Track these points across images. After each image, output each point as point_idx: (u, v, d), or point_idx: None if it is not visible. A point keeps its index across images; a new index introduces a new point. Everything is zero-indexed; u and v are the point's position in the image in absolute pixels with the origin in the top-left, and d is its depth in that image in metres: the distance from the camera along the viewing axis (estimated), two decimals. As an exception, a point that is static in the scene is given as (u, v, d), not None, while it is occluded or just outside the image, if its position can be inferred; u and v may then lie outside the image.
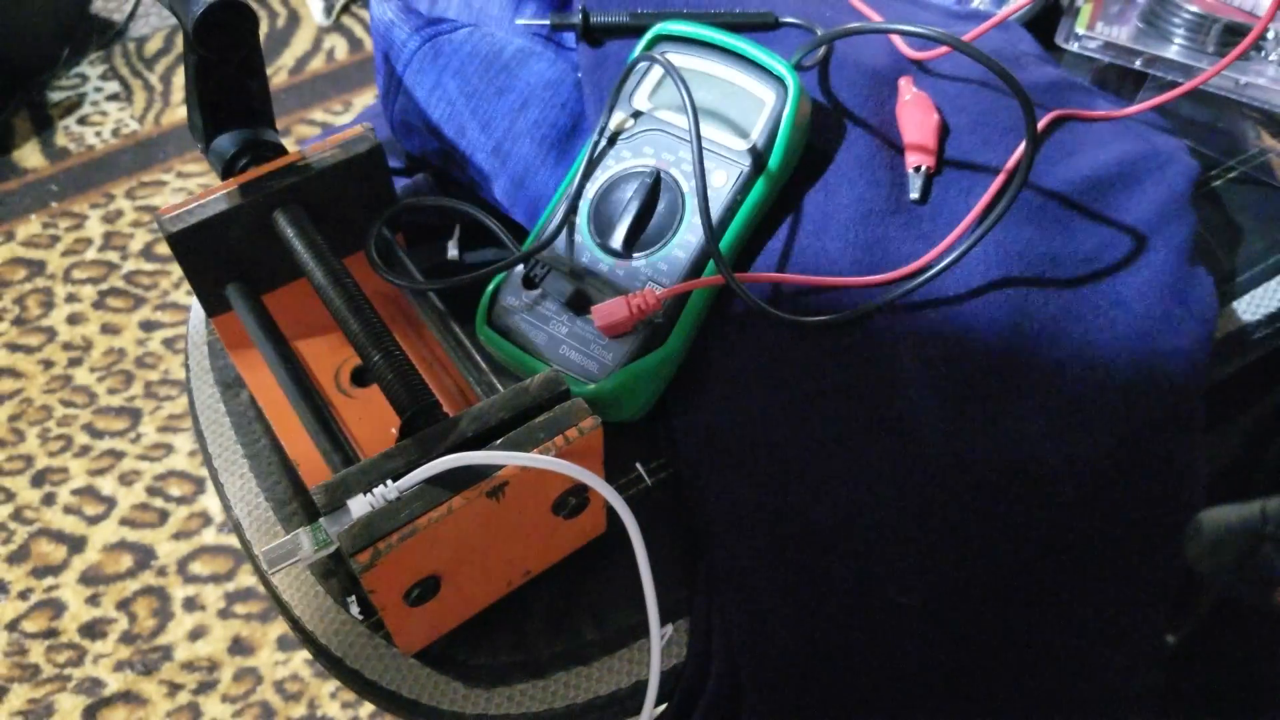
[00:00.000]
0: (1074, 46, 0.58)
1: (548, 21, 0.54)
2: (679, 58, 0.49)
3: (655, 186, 0.47)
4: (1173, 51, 0.55)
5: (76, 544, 1.16)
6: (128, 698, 1.06)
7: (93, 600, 1.12)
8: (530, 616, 0.44)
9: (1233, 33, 0.55)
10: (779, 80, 0.48)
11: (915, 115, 0.50)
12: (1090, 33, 0.57)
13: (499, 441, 0.37)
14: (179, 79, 1.65)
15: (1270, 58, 0.55)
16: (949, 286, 0.46)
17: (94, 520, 1.18)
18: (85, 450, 1.23)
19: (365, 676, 0.43)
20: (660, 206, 0.47)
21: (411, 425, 0.39)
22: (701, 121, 0.47)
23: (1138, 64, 0.57)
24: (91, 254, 1.42)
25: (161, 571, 1.14)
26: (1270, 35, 0.55)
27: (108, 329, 1.34)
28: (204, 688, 1.06)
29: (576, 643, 0.43)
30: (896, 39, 0.55)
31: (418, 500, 0.36)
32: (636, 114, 0.49)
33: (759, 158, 0.47)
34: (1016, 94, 0.43)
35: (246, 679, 1.07)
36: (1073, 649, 0.44)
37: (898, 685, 0.42)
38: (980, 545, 0.43)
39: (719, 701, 0.42)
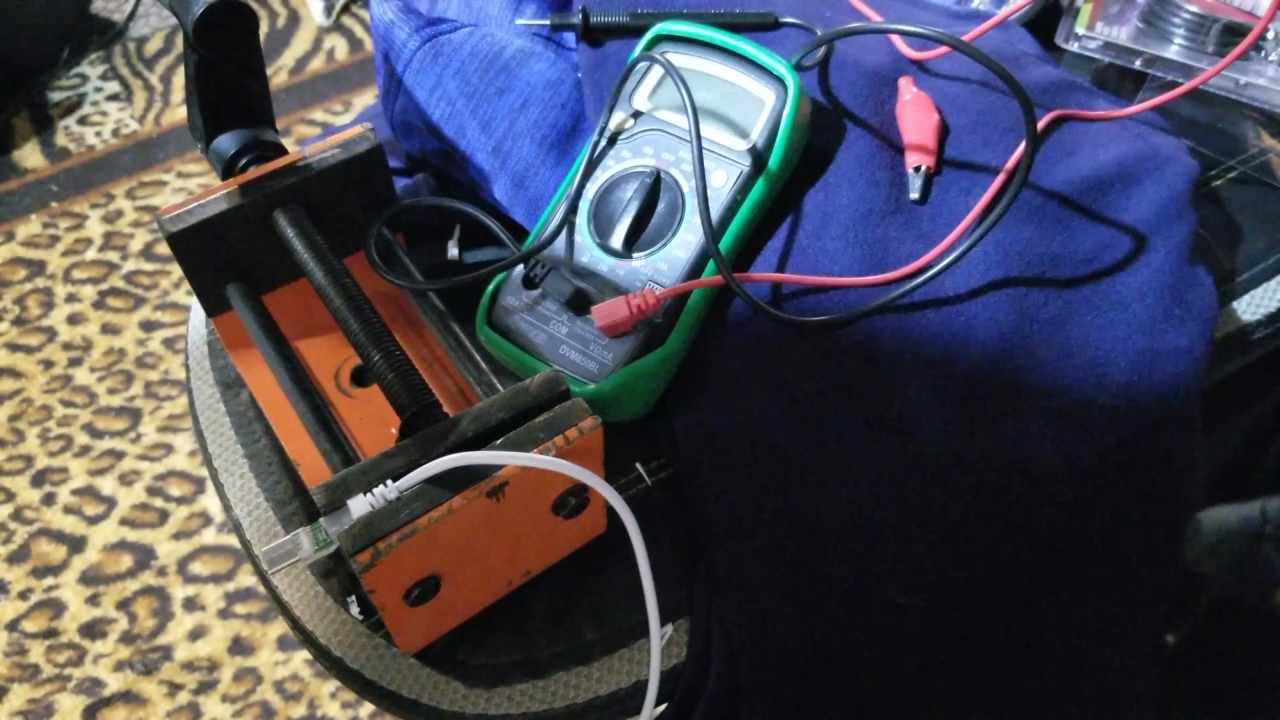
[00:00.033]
0: (1074, 46, 0.58)
1: (548, 22, 0.54)
2: (679, 58, 0.49)
3: (655, 186, 0.47)
4: (1172, 51, 0.55)
5: (76, 544, 1.16)
6: (128, 698, 1.05)
7: (93, 600, 1.12)
8: (530, 616, 0.44)
9: (1232, 33, 0.55)
10: (779, 80, 0.48)
11: (915, 115, 0.50)
12: (1090, 33, 0.57)
13: (499, 441, 0.37)
14: (179, 79, 1.65)
15: (1270, 58, 0.55)
16: (949, 287, 0.46)
17: (94, 520, 1.18)
18: (85, 450, 1.23)
19: (365, 676, 0.43)
20: (660, 206, 0.47)
21: (411, 425, 0.39)
22: (701, 121, 0.47)
23: (1138, 64, 0.57)
24: (91, 254, 1.42)
25: (161, 571, 1.14)
26: (1270, 35, 0.55)
27: (108, 329, 1.34)
28: (204, 688, 1.06)
29: (576, 643, 0.43)
30: (896, 39, 0.55)
31: (418, 500, 0.36)
32: (636, 114, 0.49)
33: (759, 158, 0.47)
34: (1016, 94, 0.43)
35: (246, 679, 1.07)
36: (1072, 649, 0.44)
37: (897, 685, 0.42)
38: (980, 545, 0.43)
39: (719, 701, 0.42)
